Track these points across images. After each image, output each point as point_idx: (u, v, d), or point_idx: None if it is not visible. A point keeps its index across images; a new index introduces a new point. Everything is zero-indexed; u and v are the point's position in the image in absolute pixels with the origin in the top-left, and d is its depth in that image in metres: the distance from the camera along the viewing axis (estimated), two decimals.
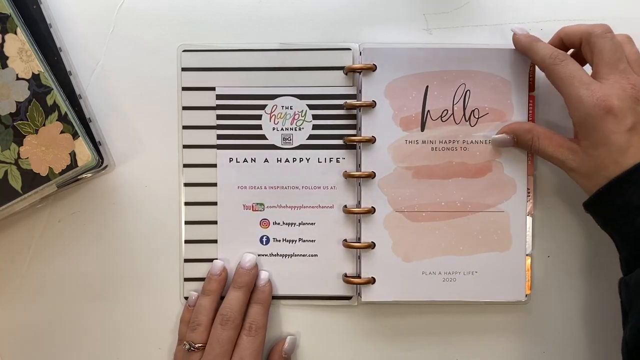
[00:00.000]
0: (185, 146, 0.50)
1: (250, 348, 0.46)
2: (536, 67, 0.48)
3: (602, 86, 0.42)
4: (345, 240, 0.49)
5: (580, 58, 0.45)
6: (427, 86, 0.48)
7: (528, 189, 0.49)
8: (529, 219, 0.49)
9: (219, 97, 0.49)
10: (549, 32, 0.49)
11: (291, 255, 0.50)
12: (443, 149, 0.48)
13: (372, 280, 0.48)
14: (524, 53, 0.46)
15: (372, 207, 0.48)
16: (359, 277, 0.49)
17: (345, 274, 0.49)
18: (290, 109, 0.49)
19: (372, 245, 0.48)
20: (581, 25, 0.45)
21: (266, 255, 0.50)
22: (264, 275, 0.49)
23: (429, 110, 0.48)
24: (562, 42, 0.46)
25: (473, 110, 0.48)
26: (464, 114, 0.48)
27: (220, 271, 0.49)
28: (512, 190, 0.48)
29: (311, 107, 0.49)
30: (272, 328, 0.50)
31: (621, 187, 0.41)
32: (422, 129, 0.48)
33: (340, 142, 0.49)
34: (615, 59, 0.42)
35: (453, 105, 0.48)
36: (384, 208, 0.48)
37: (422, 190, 0.48)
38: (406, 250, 0.48)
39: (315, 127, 0.49)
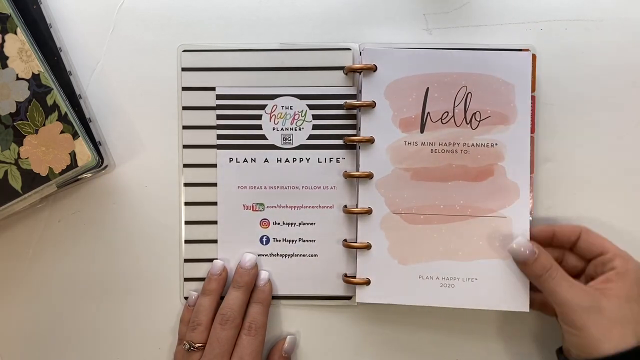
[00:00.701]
0: (185, 146, 0.50)
1: (250, 348, 0.46)
2: (537, 67, 0.48)
3: None
4: (345, 240, 0.49)
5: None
6: (428, 88, 0.47)
7: None
8: (529, 220, 0.49)
9: (219, 97, 0.49)
10: (548, 32, 0.50)
11: (291, 255, 0.50)
12: (443, 151, 0.48)
13: (368, 281, 0.48)
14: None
15: (369, 207, 0.48)
16: (354, 277, 0.49)
17: (345, 274, 0.49)
18: (290, 109, 0.49)
19: (368, 246, 0.48)
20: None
21: (266, 255, 0.50)
22: (264, 275, 0.49)
23: (429, 112, 0.48)
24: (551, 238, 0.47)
25: (474, 113, 0.48)
26: (465, 117, 0.48)
27: (220, 271, 0.49)
28: (515, 196, 0.47)
29: (311, 107, 0.49)
30: (272, 328, 0.50)
31: None
32: (422, 131, 0.48)
33: (340, 142, 0.49)
34: None
35: (454, 107, 0.48)
36: (380, 209, 0.48)
37: (420, 192, 0.48)
38: (402, 253, 0.48)
39: (315, 127, 0.49)
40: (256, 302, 0.48)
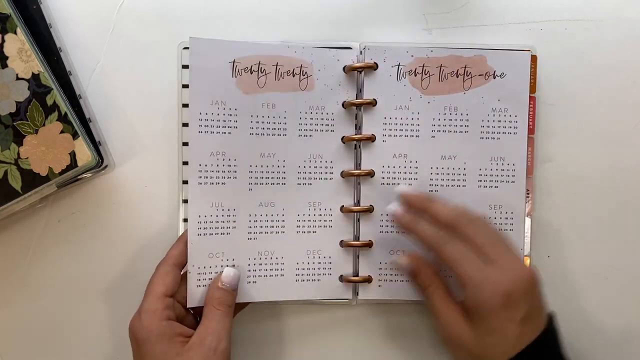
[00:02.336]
0: (185, 144, 0.50)
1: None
2: (537, 67, 0.48)
3: (495, 271, 0.41)
4: (343, 240, 0.49)
5: None
6: None
7: (527, 189, 0.49)
8: (528, 220, 0.49)
9: None
10: (549, 32, 0.50)
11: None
12: None
13: (369, 279, 0.48)
14: (407, 232, 0.45)
15: (371, 205, 0.48)
16: (356, 275, 0.49)
17: (344, 274, 0.49)
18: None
19: (370, 244, 0.48)
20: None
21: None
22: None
23: None
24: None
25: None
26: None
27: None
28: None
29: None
30: (272, 329, 0.50)
31: None
32: None
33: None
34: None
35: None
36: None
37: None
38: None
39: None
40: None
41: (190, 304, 0.45)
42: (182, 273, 0.45)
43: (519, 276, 0.41)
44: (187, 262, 0.45)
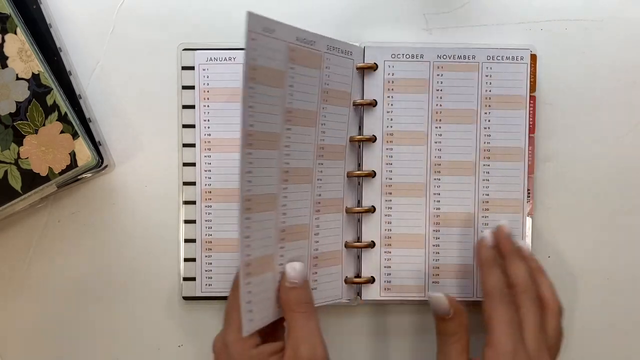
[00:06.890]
0: (185, 145, 0.50)
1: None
2: (537, 67, 0.48)
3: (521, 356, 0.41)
4: (346, 241, 0.49)
5: None
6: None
7: (528, 189, 0.49)
8: (529, 220, 0.49)
9: None
10: (549, 32, 0.50)
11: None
12: None
13: (372, 280, 0.48)
14: (479, 265, 0.45)
15: (372, 206, 0.48)
16: (358, 276, 0.49)
17: (347, 276, 0.49)
18: None
19: (372, 245, 0.48)
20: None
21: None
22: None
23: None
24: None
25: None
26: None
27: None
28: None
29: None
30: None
31: None
32: None
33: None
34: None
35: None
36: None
37: None
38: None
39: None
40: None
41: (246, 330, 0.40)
42: None
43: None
44: None
